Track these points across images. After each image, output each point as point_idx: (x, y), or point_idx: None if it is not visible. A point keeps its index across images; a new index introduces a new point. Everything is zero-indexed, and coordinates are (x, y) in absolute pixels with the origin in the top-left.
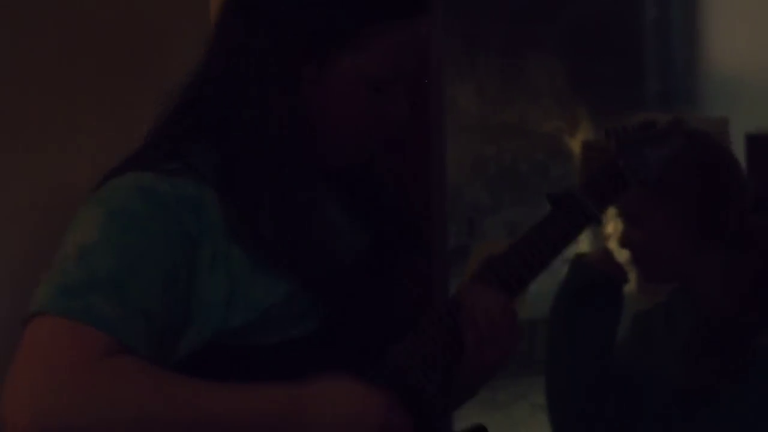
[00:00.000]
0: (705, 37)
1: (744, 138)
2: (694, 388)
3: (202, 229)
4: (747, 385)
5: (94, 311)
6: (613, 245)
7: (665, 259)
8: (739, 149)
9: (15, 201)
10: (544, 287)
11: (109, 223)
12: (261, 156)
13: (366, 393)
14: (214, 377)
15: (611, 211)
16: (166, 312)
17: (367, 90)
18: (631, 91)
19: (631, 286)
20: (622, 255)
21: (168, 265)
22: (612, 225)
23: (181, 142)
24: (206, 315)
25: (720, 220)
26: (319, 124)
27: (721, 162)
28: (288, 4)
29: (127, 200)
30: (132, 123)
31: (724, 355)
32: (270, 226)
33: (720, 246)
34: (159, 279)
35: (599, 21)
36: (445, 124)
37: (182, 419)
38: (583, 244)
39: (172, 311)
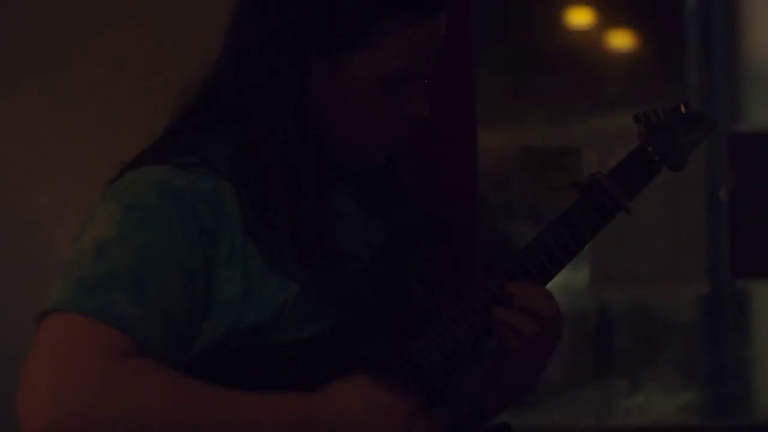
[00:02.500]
0: (746, 27)
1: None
2: None
3: (219, 223)
4: None
5: (113, 309)
6: None
7: None
8: None
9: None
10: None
11: (126, 218)
12: (275, 153)
13: (385, 398)
14: (228, 377)
15: None
16: (184, 309)
17: (382, 87)
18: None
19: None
20: None
21: (186, 261)
22: None
23: (197, 137)
24: (221, 311)
25: None
26: (333, 121)
27: None
28: (300, 2)
29: (144, 195)
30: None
31: None
32: (283, 224)
33: None
34: (177, 276)
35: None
36: (477, 120)
37: (196, 426)
38: None
39: (190, 307)
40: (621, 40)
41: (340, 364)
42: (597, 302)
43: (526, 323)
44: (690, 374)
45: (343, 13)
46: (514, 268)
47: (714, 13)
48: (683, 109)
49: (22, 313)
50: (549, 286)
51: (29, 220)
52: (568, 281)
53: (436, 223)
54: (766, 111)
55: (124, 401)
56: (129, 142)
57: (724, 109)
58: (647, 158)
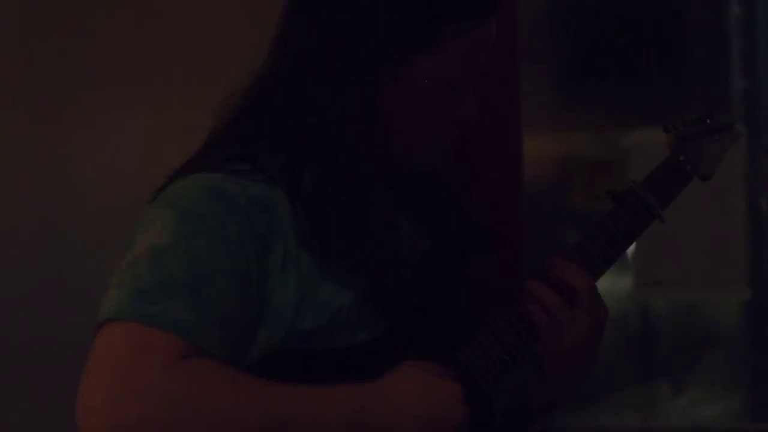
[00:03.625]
0: None
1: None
2: None
3: (273, 230)
4: None
5: (170, 316)
6: None
7: None
8: None
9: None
10: None
11: (180, 225)
12: (330, 160)
13: (441, 381)
14: (283, 381)
15: None
16: (240, 315)
17: (441, 91)
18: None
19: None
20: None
21: (241, 267)
22: None
23: (248, 144)
24: (277, 317)
25: None
26: (391, 126)
27: None
28: (363, 5)
29: (198, 201)
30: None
31: None
32: (337, 232)
33: None
34: (233, 282)
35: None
36: (522, 124)
37: (259, 421)
38: None
39: (246, 314)
40: (664, 49)
41: (391, 369)
42: (641, 307)
43: (552, 297)
44: (732, 379)
45: (410, 18)
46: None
47: (757, 20)
48: (709, 120)
49: (87, 318)
50: None
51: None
52: (613, 286)
53: (479, 229)
54: None
55: (183, 402)
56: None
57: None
58: (679, 167)
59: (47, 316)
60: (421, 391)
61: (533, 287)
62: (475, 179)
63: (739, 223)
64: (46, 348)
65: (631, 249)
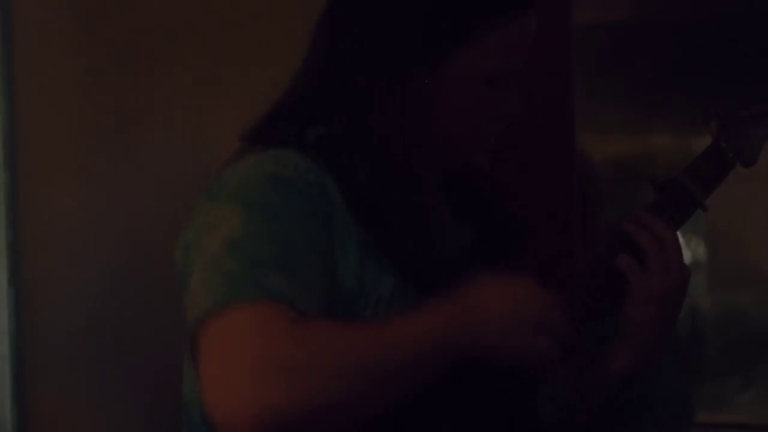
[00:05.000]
0: None
1: None
2: None
3: (331, 212)
4: None
5: (269, 288)
6: None
7: None
8: None
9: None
10: None
11: (248, 215)
12: (374, 154)
13: (517, 284)
14: None
15: None
16: (324, 286)
17: (482, 86)
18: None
19: None
20: None
21: (317, 240)
22: None
23: (294, 135)
24: (340, 301)
25: None
26: (432, 122)
27: None
28: (402, 2)
29: (261, 190)
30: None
31: None
32: (383, 221)
33: None
34: (315, 257)
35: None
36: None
37: (379, 357)
38: None
39: (326, 286)
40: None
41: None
42: (715, 304)
43: (649, 241)
44: None
45: (446, 14)
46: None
47: None
48: (750, 106)
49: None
50: None
51: None
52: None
53: (523, 224)
54: None
55: (316, 359)
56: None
57: None
58: (721, 155)
59: (143, 316)
60: (499, 290)
61: (629, 227)
62: (527, 178)
63: None
64: (146, 348)
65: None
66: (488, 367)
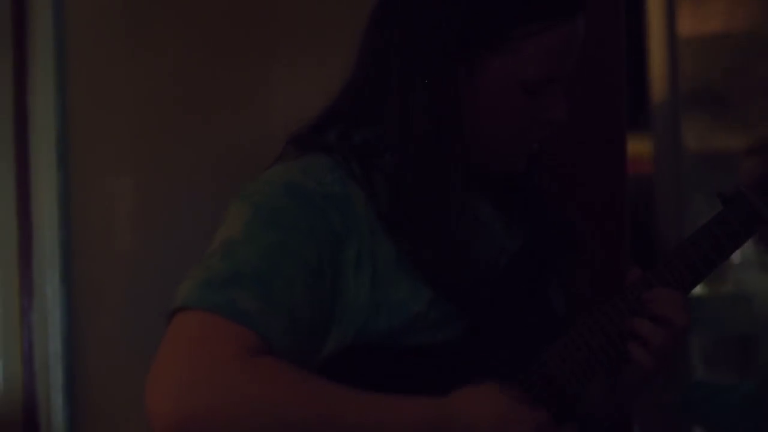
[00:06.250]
0: None
1: None
2: None
3: (348, 227)
4: None
5: (237, 306)
6: None
7: None
8: None
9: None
10: None
11: (254, 217)
12: (411, 159)
13: (515, 408)
14: (356, 377)
15: None
16: (310, 310)
17: (520, 92)
18: None
19: None
20: None
21: (313, 262)
22: None
23: (333, 140)
24: (351, 316)
25: None
26: (471, 126)
27: None
28: (441, 5)
29: (273, 196)
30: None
31: None
32: (422, 231)
33: None
34: (303, 275)
35: None
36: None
37: (321, 423)
38: None
39: (316, 310)
40: None
41: (471, 370)
42: None
43: (655, 334)
44: None
45: (487, 19)
46: (653, 278)
47: None
48: None
49: None
50: None
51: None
52: None
53: (574, 229)
54: None
55: (246, 398)
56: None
57: None
58: None
59: None
60: (495, 413)
61: (635, 325)
62: (577, 181)
63: None
64: None
65: None
66: None
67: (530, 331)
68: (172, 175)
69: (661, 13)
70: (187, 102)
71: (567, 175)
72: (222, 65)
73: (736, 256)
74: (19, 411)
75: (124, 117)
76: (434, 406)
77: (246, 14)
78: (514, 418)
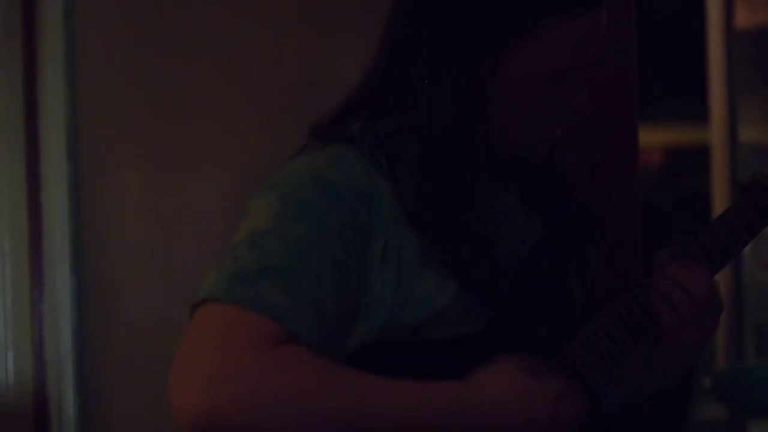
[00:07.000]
0: None
1: None
2: None
3: (375, 221)
4: None
5: (264, 300)
6: None
7: None
8: None
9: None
10: None
11: (281, 209)
12: (436, 149)
13: (532, 381)
14: (380, 371)
15: None
16: (335, 302)
17: (544, 81)
18: None
19: None
20: None
21: (340, 255)
22: None
23: (357, 132)
24: (376, 311)
25: None
26: (495, 116)
27: None
28: None
29: (300, 188)
30: None
31: None
32: (447, 223)
33: None
34: (329, 269)
35: None
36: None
37: (348, 412)
38: None
39: (342, 301)
40: None
41: (494, 360)
42: None
43: (682, 299)
44: None
45: (515, 9)
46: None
47: None
48: None
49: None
50: None
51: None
52: None
53: (594, 218)
54: None
55: (273, 389)
56: None
57: None
58: None
59: None
60: (514, 388)
61: (662, 286)
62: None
63: None
64: None
65: None
66: None
67: (553, 321)
68: (180, 168)
69: (719, 5)
70: (196, 96)
71: (580, 165)
72: (230, 61)
73: None
74: (30, 403)
75: (134, 111)
76: (454, 388)
77: (253, 11)
78: (534, 391)
